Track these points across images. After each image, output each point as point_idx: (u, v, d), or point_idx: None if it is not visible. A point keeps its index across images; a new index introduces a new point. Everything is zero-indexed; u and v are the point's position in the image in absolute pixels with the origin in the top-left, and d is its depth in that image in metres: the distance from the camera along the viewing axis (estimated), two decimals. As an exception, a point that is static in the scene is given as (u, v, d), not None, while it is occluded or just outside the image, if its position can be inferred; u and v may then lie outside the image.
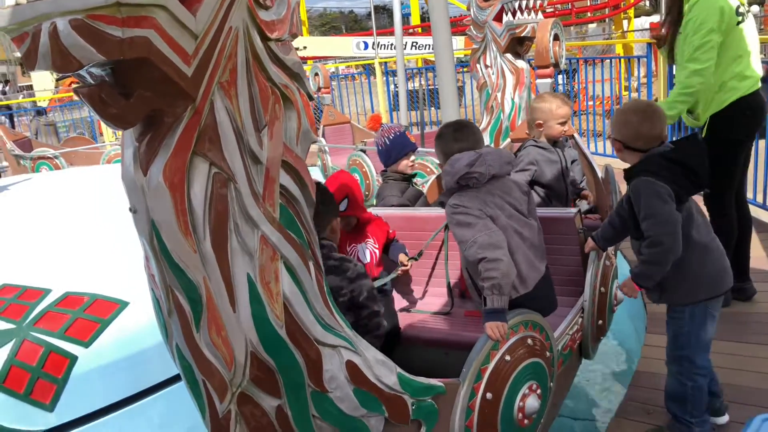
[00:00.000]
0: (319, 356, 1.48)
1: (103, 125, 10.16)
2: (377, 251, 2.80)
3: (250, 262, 1.34)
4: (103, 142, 9.91)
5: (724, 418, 2.48)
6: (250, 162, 1.33)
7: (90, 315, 2.81)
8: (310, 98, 1.58)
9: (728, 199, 3.31)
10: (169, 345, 1.43)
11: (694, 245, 2.17)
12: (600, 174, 3.43)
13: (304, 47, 15.07)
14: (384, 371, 1.63)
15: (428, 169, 5.61)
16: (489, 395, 1.87)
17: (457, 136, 2.31)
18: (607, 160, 6.37)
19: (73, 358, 2.63)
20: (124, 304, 2.89)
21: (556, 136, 3.18)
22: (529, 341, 2.02)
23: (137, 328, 2.87)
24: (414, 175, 3.76)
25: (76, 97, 1.20)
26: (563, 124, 3.17)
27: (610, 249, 2.79)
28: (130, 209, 1.28)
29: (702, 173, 2.14)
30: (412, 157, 3.62)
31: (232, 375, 1.39)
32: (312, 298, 1.47)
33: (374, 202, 4.12)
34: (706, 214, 2.29)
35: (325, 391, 1.52)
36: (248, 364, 1.40)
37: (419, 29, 18.39)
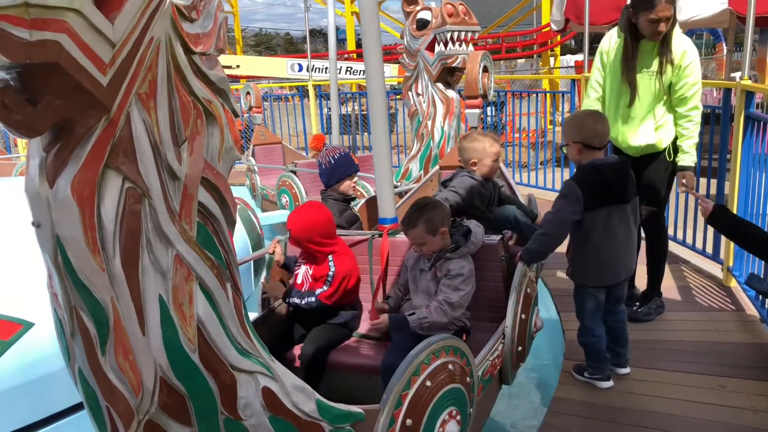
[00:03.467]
0: (233, 382, 1.43)
1: (19, 135, 9.57)
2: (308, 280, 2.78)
3: (162, 283, 1.28)
4: (18, 153, 9.37)
5: (625, 370, 3.08)
6: (168, 177, 1.28)
7: (-12, 336, 2.62)
8: (236, 115, 1.54)
9: (663, 217, 3.73)
10: (71, 369, 1.34)
11: (591, 244, 2.73)
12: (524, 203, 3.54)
13: (237, 66, 14.90)
14: (302, 398, 1.59)
15: (359, 193, 5.62)
16: (409, 422, 1.85)
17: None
18: (531, 190, 6.59)
19: (-33, 383, 2.44)
20: (28, 325, 2.71)
21: (489, 173, 3.28)
22: (450, 367, 2.02)
23: (42, 351, 2.70)
24: (353, 198, 3.76)
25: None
26: (495, 161, 3.28)
27: (532, 274, 2.86)
28: (33, 223, 1.20)
29: (616, 190, 2.70)
30: (355, 179, 3.63)
31: (139, 401, 1.31)
32: (228, 322, 1.42)
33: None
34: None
35: (239, 419, 1.46)
36: (157, 390, 1.33)
37: (354, 55, 18.58)
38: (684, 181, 3.36)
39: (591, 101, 3.63)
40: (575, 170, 2.81)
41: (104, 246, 1.19)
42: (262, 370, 1.50)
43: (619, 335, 3.02)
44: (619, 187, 2.69)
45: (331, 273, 2.71)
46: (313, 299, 2.67)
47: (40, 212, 1.17)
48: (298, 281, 2.79)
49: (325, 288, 2.69)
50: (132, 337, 1.26)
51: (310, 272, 2.77)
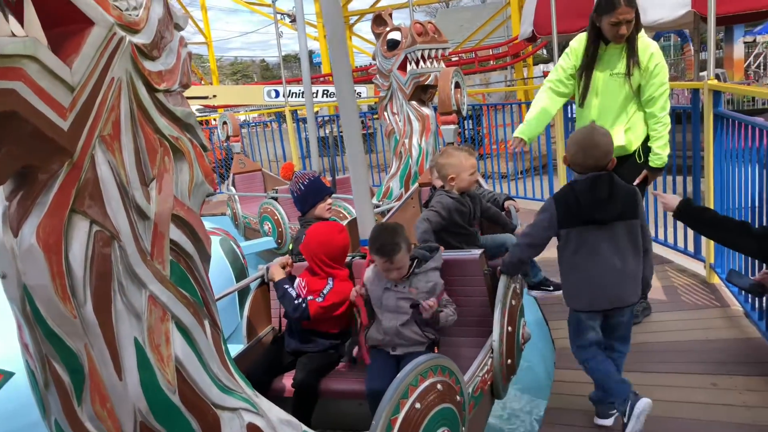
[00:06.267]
0: (217, 421, 1.40)
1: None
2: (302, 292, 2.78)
3: (137, 325, 1.26)
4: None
5: (607, 421, 2.73)
6: (137, 218, 1.26)
7: (-32, 389, 2.56)
8: (205, 149, 1.53)
9: None
10: (47, 421, 1.31)
11: (566, 262, 2.61)
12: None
13: (214, 96, 14.90)
14: (289, 431, 1.56)
15: (341, 215, 5.60)
16: (401, 446, 1.83)
17: None
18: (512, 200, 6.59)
19: (-52, 439, 2.38)
20: (8, 375, 2.66)
21: (467, 187, 3.23)
22: (439, 386, 2.00)
23: (24, 400, 2.63)
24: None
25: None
26: (472, 174, 3.25)
27: (517, 286, 2.85)
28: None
29: (586, 210, 2.50)
30: (329, 200, 3.61)
31: (119, 449, 1.28)
32: (208, 359, 1.39)
33: (290, 248, 4.03)
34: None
35: (226, 458, 1.43)
36: (138, 436, 1.30)
37: (330, 77, 18.67)
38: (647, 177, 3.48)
39: (542, 94, 3.67)
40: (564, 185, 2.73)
41: (74, 292, 1.17)
42: (246, 406, 1.47)
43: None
44: (589, 206, 2.50)
45: (327, 288, 2.71)
46: (303, 304, 2.66)
47: (6, 262, 1.15)
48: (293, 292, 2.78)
49: (318, 299, 2.68)
50: (108, 383, 1.24)
51: (303, 283, 2.78)
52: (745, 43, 16.64)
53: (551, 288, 3.59)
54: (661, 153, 3.44)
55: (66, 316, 1.16)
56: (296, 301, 2.66)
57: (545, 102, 3.65)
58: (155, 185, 1.31)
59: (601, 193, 2.49)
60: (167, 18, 1.40)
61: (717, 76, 4.07)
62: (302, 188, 3.43)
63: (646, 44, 3.38)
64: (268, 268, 2.99)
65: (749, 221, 3.31)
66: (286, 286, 2.73)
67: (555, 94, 3.65)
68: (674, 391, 2.94)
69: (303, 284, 2.78)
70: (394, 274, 2.57)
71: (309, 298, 2.68)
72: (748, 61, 18.84)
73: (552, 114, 3.73)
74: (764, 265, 3.07)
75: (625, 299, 2.57)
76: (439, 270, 2.65)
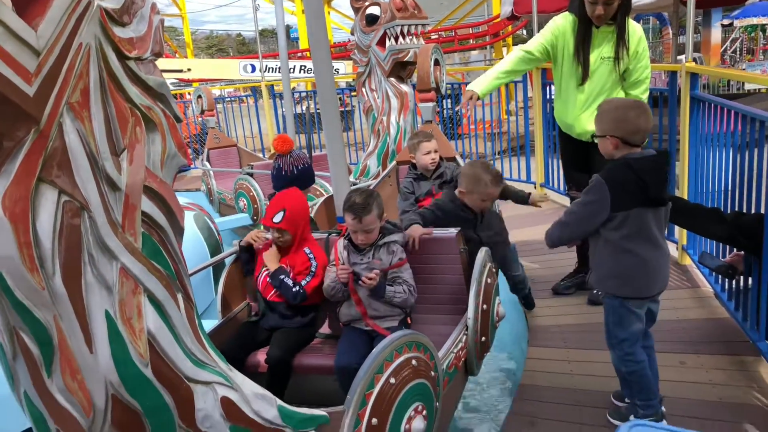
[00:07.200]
0: (190, 395, 1.39)
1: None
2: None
3: (108, 297, 1.23)
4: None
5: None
6: (107, 188, 1.23)
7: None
8: (178, 120, 1.50)
9: None
10: (16, 392, 1.29)
11: (622, 247, 2.37)
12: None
13: (189, 69, 14.63)
14: (263, 405, 1.56)
15: (318, 192, 5.58)
16: (374, 420, 1.84)
17: None
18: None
19: None
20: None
21: (473, 207, 3.04)
22: (414, 362, 2.01)
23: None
24: None
25: None
26: (484, 201, 3.02)
27: (492, 265, 2.86)
28: (-37, 244, 1.14)
29: (653, 188, 2.31)
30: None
31: (90, 422, 1.27)
32: (181, 333, 1.38)
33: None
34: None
35: (199, 432, 1.42)
36: (110, 409, 1.28)
37: (307, 53, 18.42)
38: None
39: (512, 57, 3.66)
40: (607, 166, 2.41)
41: (43, 263, 1.14)
42: (219, 380, 1.46)
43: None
44: (656, 184, 2.33)
45: (314, 265, 2.75)
46: (300, 289, 2.68)
47: None
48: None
49: (308, 279, 2.72)
50: (79, 355, 1.22)
51: (289, 269, 2.76)
52: (722, 26, 16.78)
53: (524, 303, 3.77)
54: None
55: (34, 286, 1.14)
56: (294, 289, 2.69)
57: (514, 65, 3.64)
58: (126, 156, 1.28)
59: (666, 169, 2.37)
60: (138, -17, 1.35)
61: (694, 60, 4.10)
62: (297, 170, 3.39)
63: (633, 28, 3.40)
64: (241, 245, 2.96)
65: (722, 205, 3.37)
66: (282, 277, 2.72)
67: (523, 62, 3.64)
68: (643, 369, 3.00)
69: (289, 270, 2.76)
70: (361, 237, 2.59)
71: (304, 282, 2.70)
72: (724, 46, 19.04)
73: (514, 77, 3.81)
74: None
75: (666, 282, 2.50)
76: (403, 243, 2.70)
